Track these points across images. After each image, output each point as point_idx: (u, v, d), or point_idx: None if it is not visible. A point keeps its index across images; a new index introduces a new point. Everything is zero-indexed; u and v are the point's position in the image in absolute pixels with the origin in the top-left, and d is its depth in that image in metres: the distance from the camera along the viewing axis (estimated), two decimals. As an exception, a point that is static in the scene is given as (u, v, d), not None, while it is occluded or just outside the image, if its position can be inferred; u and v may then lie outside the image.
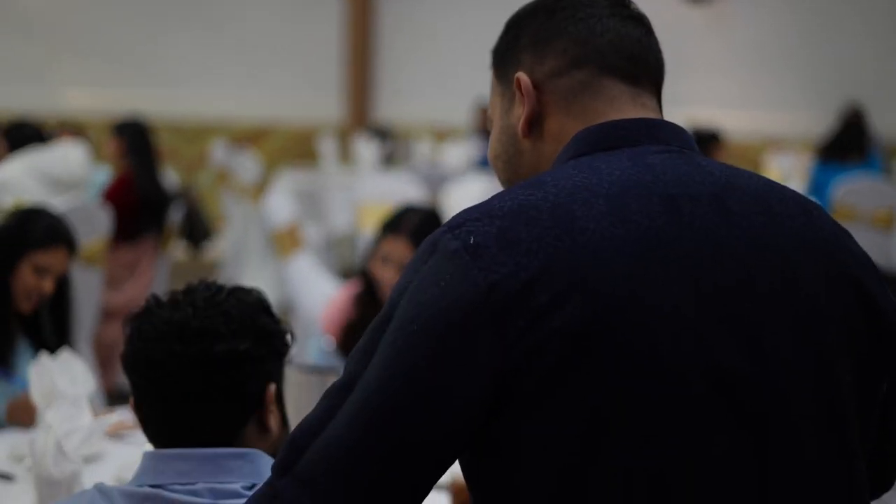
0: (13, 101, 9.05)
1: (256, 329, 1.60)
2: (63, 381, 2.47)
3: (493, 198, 1.24)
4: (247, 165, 7.99)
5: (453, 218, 1.23)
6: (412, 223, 3.29)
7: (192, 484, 1.49)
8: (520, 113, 1.34)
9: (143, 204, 5.74)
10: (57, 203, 5.03)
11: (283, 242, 5.72)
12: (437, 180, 7.28)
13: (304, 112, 10.22)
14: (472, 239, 1.18)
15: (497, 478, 1.19)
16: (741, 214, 1.24)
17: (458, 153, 8.53)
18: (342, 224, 7.97)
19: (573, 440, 1.15)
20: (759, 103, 9.99)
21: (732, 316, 1.19)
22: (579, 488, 1.15)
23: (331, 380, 2.34)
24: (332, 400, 1.21)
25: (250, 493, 1.47)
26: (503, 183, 1.40)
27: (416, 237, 3.26)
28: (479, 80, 10.09)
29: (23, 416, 2.75)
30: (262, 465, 1.53)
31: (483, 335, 1.14)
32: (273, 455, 1.54)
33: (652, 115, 1.33)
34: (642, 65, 1.34)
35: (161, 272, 5.96)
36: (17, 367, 3.04)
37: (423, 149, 8.88)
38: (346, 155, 9.57)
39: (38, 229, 3.04)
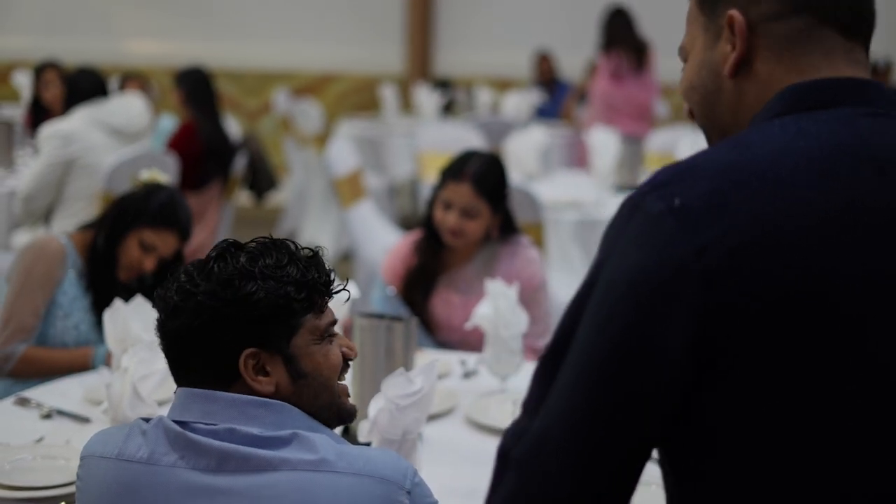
0: (78, 52, 9.16)
1: (225, 300, 1.58)
2: (137, 326, 2.54)
3: (697, 155, 1.22)
4: (310, 114, 8.06)
5: (656, 176, 1.21)
6: (475, 168, 3.31)
7: (214, 425, 1.55)
8: (725, 51, 1.29)
9: (208, 152, 5.79)
10: (122, 153, 5.14)
11: (345, 191, 5.77)
12: (497, 130, 7.30)
13: (366, 63, 10.24)
14: (676, 201, 1.16)
15: (698, 446, 1.20)
16: None
17: (519, 103, 8.52)
18: (403, 173, 8.01)
19: (771, 405, 1.15)
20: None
21: None
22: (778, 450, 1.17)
23: (395, 325, 2.42)
24: (546, 367, 1.22)
25: (267, 438, 1.53)
26: (697, 117, 1.37)
27: (479, 182, 3.29)
28: (539, 32, 10.03)
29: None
30: (285, 416, 1.58)
31: (689, 298, 1.13)
32: (297, 404, 1.60)
33: (863, 71, 1.28)
34: (860, 16, 1.28)
35: (226, 219, 6.04)
36: None
37: (483, 99, 8.88)
38: (407, 105, 9.61)
39: (152, 207, 3.08)
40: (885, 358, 1.16)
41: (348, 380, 1.75)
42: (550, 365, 1.21)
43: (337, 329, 1.74)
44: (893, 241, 1.17)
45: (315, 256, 1.68)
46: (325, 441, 1.55)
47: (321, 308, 1.66)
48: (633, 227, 1.17)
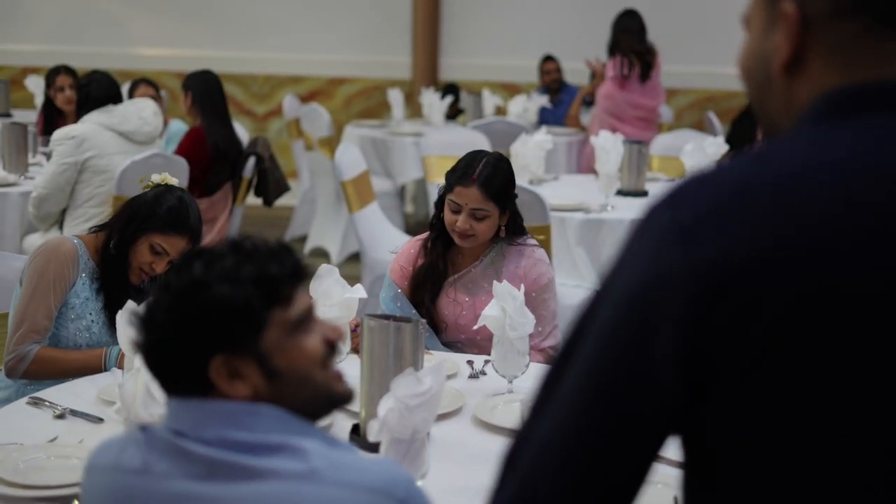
0: (89, 58, 9.20)
1: (183, 312, 1.56)
2: (149, 328, 2.57)
3: (719, 167, 1.17)
4: (318, 118, 8.09)
5: (674, 188, 1.17)
6: (482, 170, 3.34)
7: (206, 432, 1.53)
8: (778, 42, 1.19)
9: (217, 157, 5.80)
10: (134, 156, 5.17)
11: (353, 194, 5.80)
12: (504, 134, 7.32)
13: (374, 68, 10.27)
14: (686, 215, 1.13)
15: (700, 467, 1.19)
16: None
17: (526, 107, 8.53)
18: (411, 177, 8.04)
19: (764, 426, 1.12)
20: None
21: None
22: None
23: (403, 326, 2.45)
24: (553, 374, 1.21)
25: (258, 445, 1.51)
26: (751, 104, 1.28)
27: (486, 184, 3.32)
28: (545, 37, 9.94)
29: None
30: (276, 421, 1.54)
31: (682, 318, 1.11)
32: (280, 403, 1.56)
33: None
34: None
35: (236, 221, 6.06)
36: None
37: (490, 103, 8.90)
38: (414, 109, 9.64)
39: (161, 212, 3.09)
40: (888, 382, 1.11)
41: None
42: (557, 372, 1.20)
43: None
44: None
45: (276, 248, 1.62)
46: (317, 448, 1.52)
47: (287, 299, 1.59)
48: (645, 239, 1.16)
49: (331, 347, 1.64)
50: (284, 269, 1.59)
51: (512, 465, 1.21)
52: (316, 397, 1.61)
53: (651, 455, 1.18)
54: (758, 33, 1.23)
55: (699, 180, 1.16)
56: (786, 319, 1.09)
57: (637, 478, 1.19)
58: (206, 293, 1.54)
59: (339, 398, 1.65)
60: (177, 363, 1.57)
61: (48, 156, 5.44)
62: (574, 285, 5.09)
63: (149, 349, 1.59)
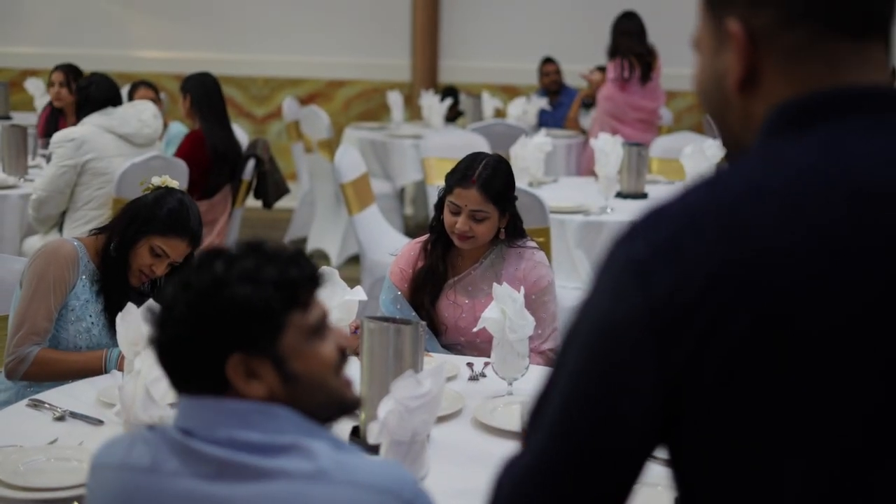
0: (89, 60, 9.19)
1: (203, 309, 1.55)
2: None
3: (676, 194, 1.16)
4: (317, 120, 8.09)
5: (632, 222, 1.16)
6: (481, 172, 3.34)
7: (215, 432, 1.54)
8: (729, 61, 1.18)
9: (216, 160, 5.79)
10: (134, 158, 5.17)
11: (353, 196, 5.80)
12: (503, 137, 7.32)
13: (373, 70, 10.27)
14: (640, 250, 1.12)
15: (683, 481, 1.20)
16: None
17: (525, 110, 8.54)
18: (411, 179, 8.04)
19: (734, 450, 1.12)
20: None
21: None
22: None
23: (403, 328, 2.44)
24: (540, 402, 1.21)
25: (267, 446, 1.51)
26: (713, 123, 1.27)
27: (486, 186, 3.32)
28: (545, 40, 9.91)
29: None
30: (285, 421, 1.55)
31: (647, 353, 1.11)
32: (293, 405, 1.56)
33: (878, 72, 1.15)
34: (874, 12, 1.15)
35: (235, 223, 6.06)
36: None
37: (490, 105, 8.91)
38: (414, 113, 9.64)
39: (162, 215, 3.09)
40: (846, 405, 1.10)
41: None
42: (544, 399, 1.20)
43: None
44: (863, 288, 1.08)
45: (295, 254, 1.64)
46: (325, 450, 1.53)
47: (306, 304, 1.60)
48: (605, 278, 1.15)
49: (343, 355, 1.66)
50: (304, 273, 1.61)
51: (499, 491, 1.22)
52: (328, 403, 1.63)
53: (635, 474, 1.19)
54: (708, 54, 1.22)
55: (654, 212, 1.15)
56: (742, 343, 1.09)
57: (623, 493, 1.20)
58: (226, 292, 1.55)
59: (349, 405, 1.67)
60: (193, 360, 1.57)
61: (48, 158, 5.44)
62: (574, 287, 5.09)
63: (165, 345, 1.59)
